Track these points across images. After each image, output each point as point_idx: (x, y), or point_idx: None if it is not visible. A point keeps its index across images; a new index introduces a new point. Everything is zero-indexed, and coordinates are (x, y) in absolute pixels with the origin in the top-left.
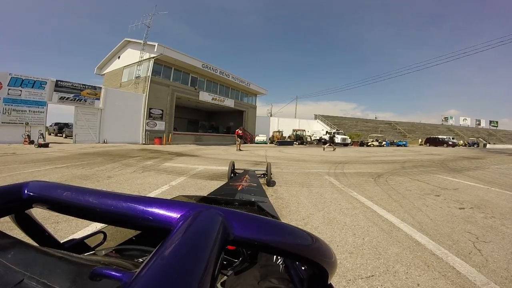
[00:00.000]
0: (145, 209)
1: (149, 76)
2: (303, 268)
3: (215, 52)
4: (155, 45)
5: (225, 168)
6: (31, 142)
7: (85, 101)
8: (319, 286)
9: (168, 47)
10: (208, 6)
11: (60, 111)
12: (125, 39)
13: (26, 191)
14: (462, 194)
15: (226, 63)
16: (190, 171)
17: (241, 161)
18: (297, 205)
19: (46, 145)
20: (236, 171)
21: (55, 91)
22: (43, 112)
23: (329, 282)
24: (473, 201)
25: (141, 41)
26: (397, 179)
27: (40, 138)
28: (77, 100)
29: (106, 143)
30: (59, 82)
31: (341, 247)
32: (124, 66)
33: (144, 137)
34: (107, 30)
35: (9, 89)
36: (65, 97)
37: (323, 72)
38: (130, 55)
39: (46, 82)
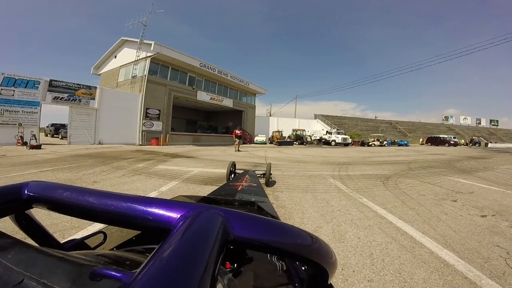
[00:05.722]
0: (145, 209)
1: (145, 75)
2: (303, 268)
3: (214, 52)
4: (151, 44)
5: (222, 171)
6: (24, 144)
7: (80, 101)
8: (319, 286)
9: (165, 45)
10: (207, 6)
11: (58, 112)
12: (122, 38)
13: (26, 191)
14: (479, 198)
15: (225, 63)
16: (184, 175)
17: (239, 162)
18: (301, 215)
19: (38, 147)
20: (237, 171)
21: (48, 91)
22: (37, 112)
23: (329, 282)
24: (493, 207)
25: (138, 40)
26: (407, 182)
27: (32, 139)
28: (71, 100)
29: (101, 144)
30: (53, 82)
31: (358, 272)
32: (121, 66)
33: (140, 137)
34: (106, 29)
35: (1, 89)
36: (59, 97)
37: (322, 72)
38: (127, 55)
39: (40, 82)
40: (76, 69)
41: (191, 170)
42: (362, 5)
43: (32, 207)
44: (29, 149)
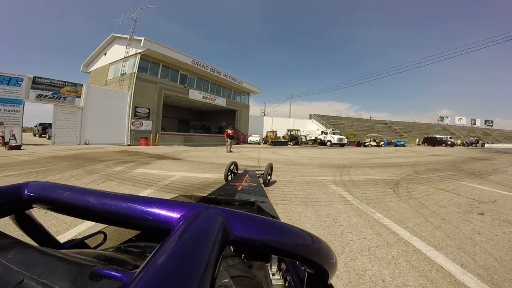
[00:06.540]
0: (145, 209)
1: (135, 72)
2: (303, 268)
3: (209, 52)
4: (141, 40)
5: (208, 176)
6: (6, 144)
7: (65, 99)
8: (319, 286)
9: (155, 42)
10: (203, 6)
11: (47, 111)
12: (112, 34)
13: (26, 192)
14: (506, 209)
15: (220, 62)
16: (163, 181)
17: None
18: None
19: (18, 147)
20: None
21: (32, 88)
22: (19, 111)
23: (329, 283)
24: None
25: (128, 36)
26: (420, 189)
27: (12, 139)
28: (56, 98)
29: (87, 144)
30: (36, 79)
31: None
32: (110, 63)
33: (129, 137)
34: (101, 27)
35: None
36: (43, 94)
37: (318, 72)
38: (117, 52)
39: (23, 79)
40: (76, 69)
41: (172, 175)
42: (359, 5)
43: (32, 207)
44: (8, 149)
